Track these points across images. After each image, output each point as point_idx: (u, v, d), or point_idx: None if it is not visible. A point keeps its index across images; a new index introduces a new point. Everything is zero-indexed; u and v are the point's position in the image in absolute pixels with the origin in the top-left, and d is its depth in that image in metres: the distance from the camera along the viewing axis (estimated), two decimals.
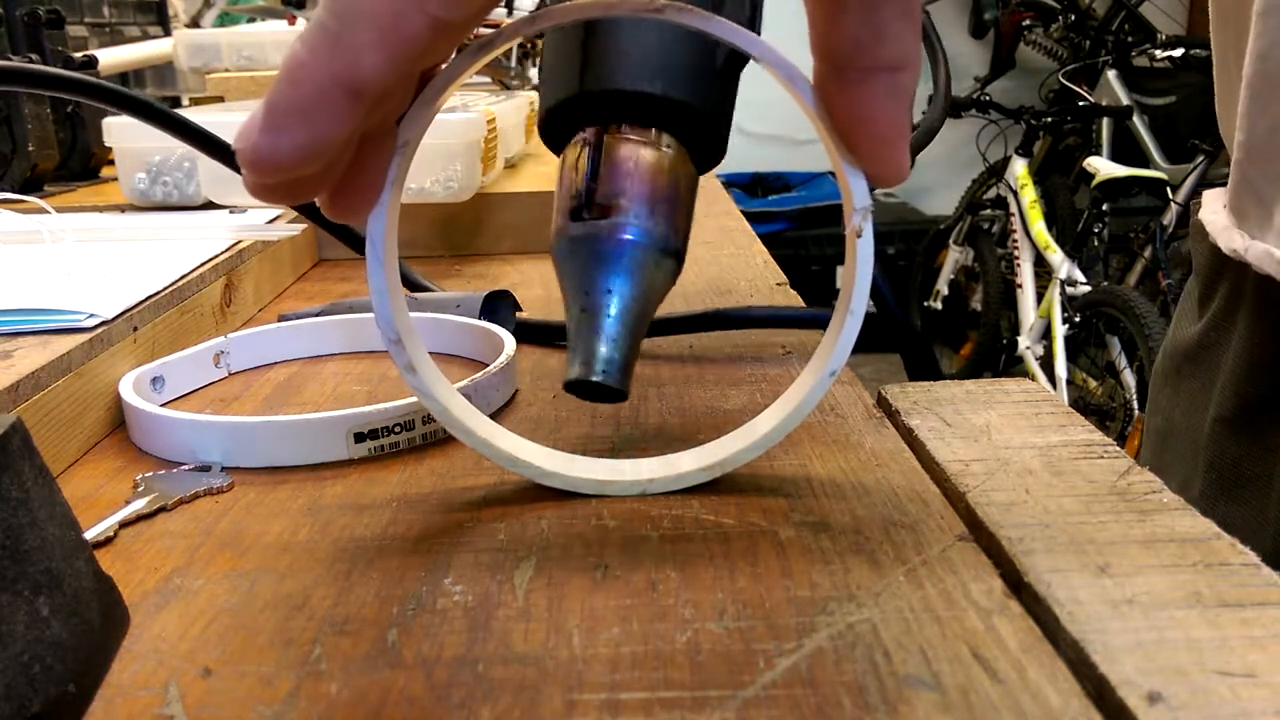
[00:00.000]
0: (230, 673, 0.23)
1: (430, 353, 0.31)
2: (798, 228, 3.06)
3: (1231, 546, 0.26)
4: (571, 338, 0.31)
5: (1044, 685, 0.21)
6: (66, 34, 0.86)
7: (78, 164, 0.83)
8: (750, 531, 0.28)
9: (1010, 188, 2.57)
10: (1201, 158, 2.37)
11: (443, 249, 0.68)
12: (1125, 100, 2.65)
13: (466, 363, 0.45)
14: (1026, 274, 2.51)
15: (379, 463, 0.34)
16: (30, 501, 0.17)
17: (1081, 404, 2.26)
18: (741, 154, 3.36)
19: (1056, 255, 2.36)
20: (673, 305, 0.53)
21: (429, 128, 0.27)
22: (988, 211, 2.82)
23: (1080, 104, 2.57)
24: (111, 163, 0.79)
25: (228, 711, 0.21)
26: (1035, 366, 2.40)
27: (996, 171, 2.74)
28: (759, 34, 0.32)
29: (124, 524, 0.30)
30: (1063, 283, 2.32)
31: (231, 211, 0.63)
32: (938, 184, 3.36)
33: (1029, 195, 2.51)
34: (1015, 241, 2.54)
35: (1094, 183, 2.27)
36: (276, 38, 1.20)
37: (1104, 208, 2.34)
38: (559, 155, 0.35)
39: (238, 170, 0.23)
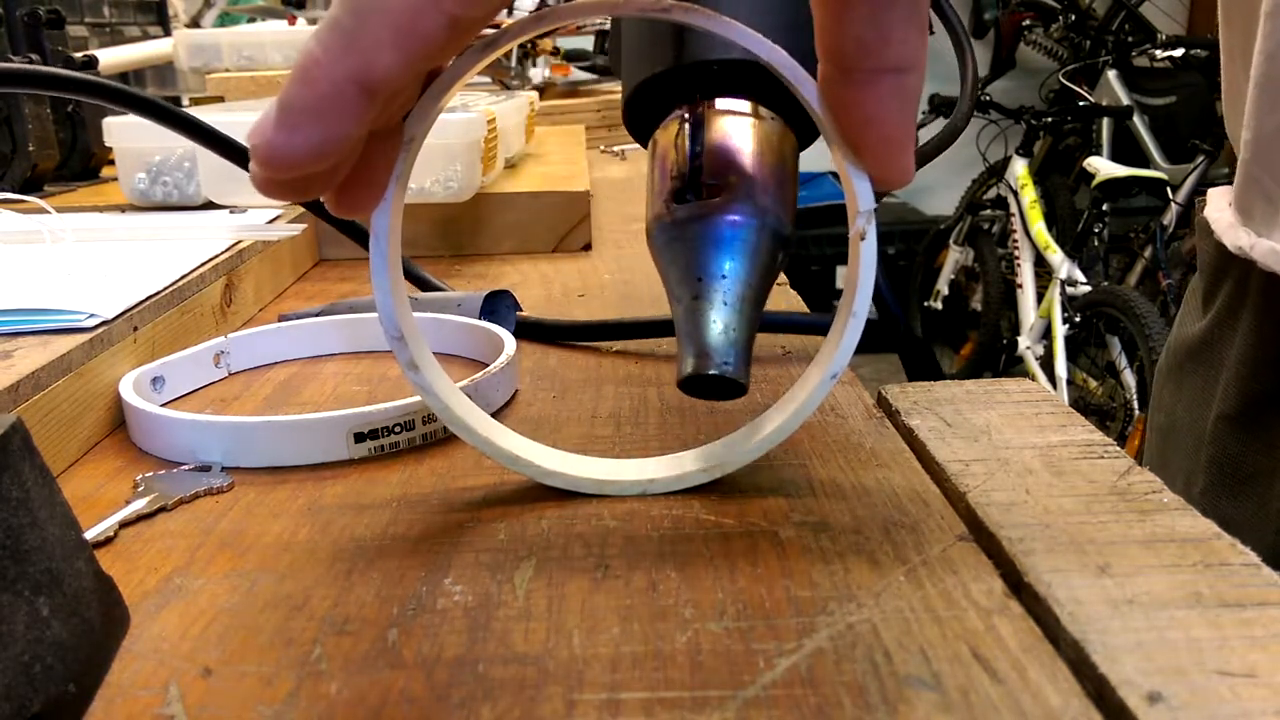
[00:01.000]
0: (230, 673, 0.23)
1: (431, 353, 0.31)
2: (798, 228, 3.06)
3: (1232, 546, 0.26)
4: (682, 330, 0.29)
5: (1044, 685, 0.21)
6: (67, 34, 0.86)
7: (78, 164, 0.83)
8: (750, 531, 0.28)
9: (1010, 188, 2.57)
10: (1201, 158, 2.37)
11: (443, 249, 0.68)
12: (1125, 100, 2.65)
13: (467, 363, 0.45)
14: (1027, 274, 2.51)
15: (379, 463, 0.34)
16: (30, 501, 0.17)
17: (1082, 404, 2.26)
18: None
19: (1057, 255, 2.36)
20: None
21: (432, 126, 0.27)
22: (988, 211, 2.82)
23: (1080, 104, 2.57)
24: (111, 163, 0.79)
25: (228, 711, 0.21)
26: (1035, 366, 2.40)
27: (997, 171, 2.74)
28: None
29: (124, 524, 0.30)
30: (1063, 283, 2.32)
31: (231, 211, 0.63)
32: (938, 184, 3.36)
33: (1029, 195, 2.51)
34: (1015, 241, 2.54)
35: (1094, 183, 2.27)
36: (277, 38, 1.20)
37: (1104, 208, 2.34)
38: (640, 139, 0.32)
39: (244, 167, 0.23)
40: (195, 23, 1.62)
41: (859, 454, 0.33)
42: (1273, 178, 0.46)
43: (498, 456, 0.31)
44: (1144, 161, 2.59)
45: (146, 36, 1.28)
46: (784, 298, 0.54)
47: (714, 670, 0.22)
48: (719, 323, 0.29)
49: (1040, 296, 2.45)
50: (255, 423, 0.34)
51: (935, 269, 2.99)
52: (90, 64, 0.87)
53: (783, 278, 0.58)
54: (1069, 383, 2.29)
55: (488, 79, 1.28)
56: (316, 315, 0.49)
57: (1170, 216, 2.35)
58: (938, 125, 3.08)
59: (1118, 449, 0.32)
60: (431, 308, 0.48)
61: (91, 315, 0.39)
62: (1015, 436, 0.33)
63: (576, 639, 0.23)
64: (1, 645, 0.16)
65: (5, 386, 0.32)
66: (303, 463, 0.34)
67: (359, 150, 0.24)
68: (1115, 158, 2.57)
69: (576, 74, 1.43)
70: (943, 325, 3.01)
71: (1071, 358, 2.30)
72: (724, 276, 0.29)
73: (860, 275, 0.28)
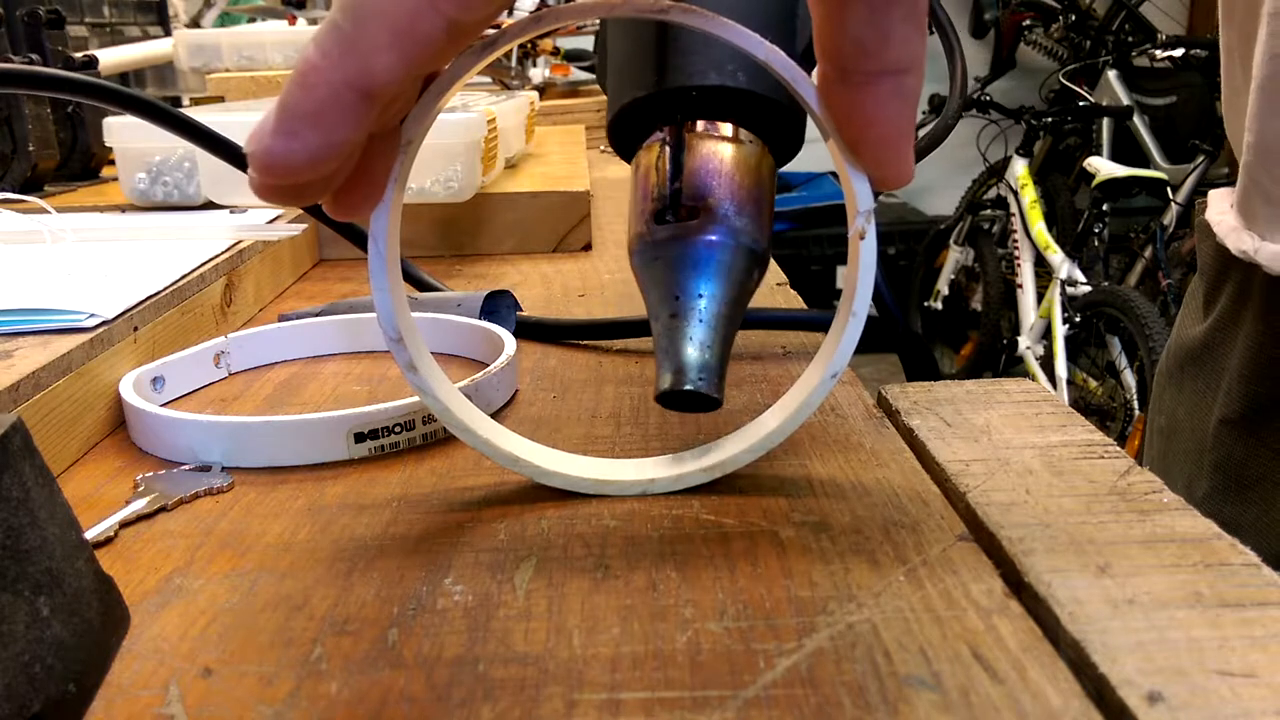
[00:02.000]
0: (230, 672, 0.23)
1: (431, 352, 0.31)
2: (798, 228, 3.06)
3: (1232, 547, 0.26)
4: (660, 346, 0.30)
5: (1044, 685, 0.21)
6: (67, 34, 0.86)
7: (78, 164, 0.83)
8: (750, 531, 0.28)
9: (1010, 188, 2.57)
10: (1202, 158, 2.38)
11: (443, 249, 0.68)
12: (1125, 100, 2.66)
13: (466, 363, 0.45)
14: (1027, 274, 2.51)
15: (379, 463, 0.34)
16: (31, 501, 0.17)
17: (1082, 404, 2.27)
18: None
19: (1057, 255, 2.36)
20: None
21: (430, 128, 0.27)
22: (988, 211, 2.82)
23: (1080, 104, 2.57)
24: (112, 163, 0.79)
25: (228, 711, 0.21)
26: (1035, 366, 2.40)
27: (997, 171, 2.74)
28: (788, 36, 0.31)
29: (124, 524, 0.30)
30: (1063, 283, 2.32)
31: (232, 211, 0.63)
32: (938, 184, 3.36)
33: (1029, 195, 2.51)
34: (1015, 241, 2.54)
35: (1094, 183, 2.27)
36: (277, 38, 1.20)
37: (1104, 208, 2.34)
38: (624, 156, 0.33)
39: (242, 169, 0.23)
40: (195, 23, 1.62)
41: (859, 454, 0.33)
42: (1276, 182, 0.46)
43: (497, 457, 0.31)
44: (1144, 161, 2.59)
45: (147, 36, 1.28)
46: (784, 297, 0.54)
47: (714, 670, 0.22)
48: (695, 340, 0.30)
49: (1040, 296, 2.45)
50: (255, 423, 0.34)
51: (935, 269, 2.99)
52: (90, 64, 0.87)
53: (783, 277, 0.58)
54: (1069, 383, 2.29)
55: (488, 79, 1.28)
56: (316, 315, 0.49)
57: (1170, 216, 2.35)
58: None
59: (1118, 449, 0.32)
60: (431, 308, 0.48)
61: (92, 315, 0.39)
62: (1015, 436, 0.33)
63: (576, 639, 0.23)
64: (2, 645, 0.16)
65: (5, 386, 0.32)
66: (303, 463, 0.34)
67: (358, 154, 0.24)
68: (1115, 158, 2.57)
69: (576, 74, 1.43)
70: (943, 325, 3.01)
71: (1072, 358, 2.30)
72: (700, 295, 0.30)
73: (860, 275, 0.28)
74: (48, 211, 0.56)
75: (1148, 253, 2.39)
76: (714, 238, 0.30)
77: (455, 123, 0.63)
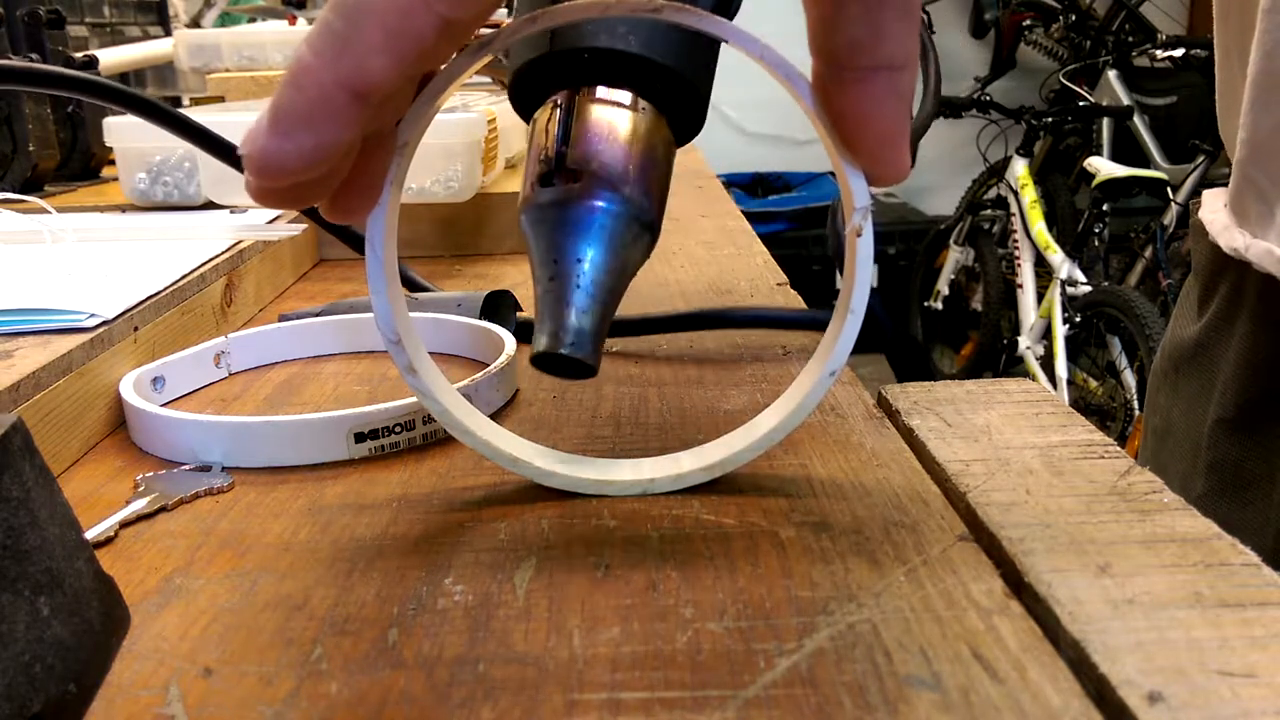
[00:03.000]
0: (231, 672, 0.23)
1: (430, 353, 0.31)
2: (798, 228, 3.06)
3: (1232, 546, 0.26)
4: (538, 309, 0.30)
5: (1044, 685, 0.21)
6: (67, 34, 0.86)
7: (78, 164, 0.83)
8: (750, 531, 0.28)
9: (1011, 188, 2.57)
10: (1202, 158, 2.37)
11: (443, 249, 0.68)
12: (1125, 100, 2.65)
13: (467, 363, 0.45)
14: (1027, 274, 2.51)
15: (379, 463, 0.34)
16: (31, 501, 0.17)
17: (1082, 404, 2.26)
18: (741, 154, 3.36)
19: (1057, 255, 2.36)
20: (673, 304, 0.53)
21: (429, 127, 0.27)
22: (988, 211, 2.82)
23: (1080, 104, 2.57)
24: (112, 163, 0.79)
25: (228, 711, 0.21)
26: (1036, 366, 2.40)
27: (997, 171, 2.74)
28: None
29: (124, 524, 0.30)
30: (1063, 283, 2.32)
31: (232, 211, 0.63)
32: (938, 184, 3.36)
33: (1029, 195, 2.51)
34: (1016, 241, 2.54)
35: (1094, 183, 2.27)
36: (277, 38, 1.20)
37: (1104, 208, 2.34)
38: (528, 122, 0.33)
39: (239, 170, 0.23)
40: (195, 23, 1.62)
41: (859, 454, 0.33)
42: (1269, 178, 0.46)
43: (497, 459, 0.31)
44: (1144, 161, 2.59)
45: (147, 36, 1.28)
46: (784, 297, 0.54)
47: (714, 670, 0.22)
48: (573, 305, 0.29)
49: (1040, 296, 2.45)
50: (255, 423, 0.34)
51: (935, 269, 2.98)
52: (90, 64, 0.87)
53: (783, 277, 0.58)
54: (1069, 383, 2.28)
55: (488, 79, 1.28)
56: (316, 315, 0.49)
57: (1170, 216, 2.34)
58: (938, 125, 3.08)
59: (1118, 449, 0.32)
60: (431, 308, 0.48)
61: (92, 315, 0.39)
62: (1015, 436, 0.33)
63: (577, 639, 0.23)
64: (2, 645, 0.16)
65: (6, 386, 0.32)
66: (303, 463, 0.34)
67: (354, 156, 0.24)
68: (1115, 158, 2.57)
69: None
70: (943, 325, 3.01)
71: (1072, 358, 2.30)
72: (580, 260, 0.30)
73: (857, 272, 0.28)
74: (48, 211, 0.56)
75: (1148, 253, 2.39)
76: (598, 203, 0.30)
77: (455, 123, 0.63)
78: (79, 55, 0.86)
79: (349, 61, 0.21)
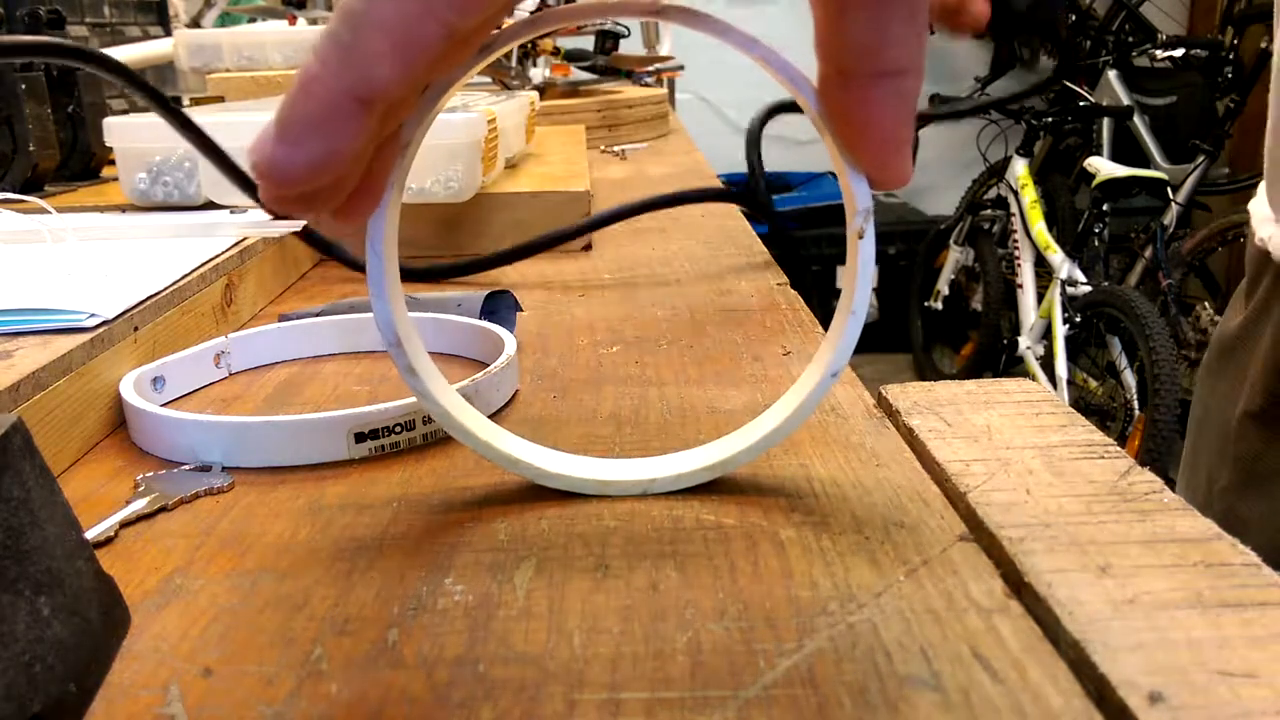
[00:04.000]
0: (231, 672, 0.23)
1: (431, 353, 0.31)
2: (798, 228, 3.06)
3: (1232, 547, 0.26)
4: None
5: (1045, 685, 0.21)
6: (67, 34, 0.86)
7: (78, 164, 0.83)
8: (750, 531, 0.28)
9: (1011, 188, 2.57)
10: (1202, 158, 2.37)
11: (443, 249, 0.68)
12: (1126, 100, 2.65)
13: (467, 363, 0.45)
14: (1027, 274, 2.51)
15: (379, 463, 0.34)
16: (31, 501, 0.17)
17: (1082, 404, 2.26)
18: (741, 154, 3.35)
19: (1057, 255, 2.36)
20: (673, 304, 0.53)
21: (430, 127, 0.27)
22: (988, 212, 2.82)
23: (1081, 104, 2.57)
24: (112, 163, 0.79)
25: (228, 711, 0.21)
26: (1036, 367, 2.40)
27: (997, 172, 2.74)
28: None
29: (124, 524, 0.30)
30: (1063, 283, 2.32)
31: (232, 211, 0.63)
32: (938, 184, 3.36)
33: (1029, 195, 2.51)
34: (1016, 241, 2.54)
35: (1094, 183, 2.27)
36: (277, 38, 1.20)
37: (1104, 208, 2.34)
38: None
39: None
40: (196, 23, 1.62)
41: (859, 454, 0.33)
42: None
43: (497, 460, 0.31)
44: (1144, 161, 2.59)
45: (147, 36, 1.28)
46: (784, 297, 0.54)
47: (714, 670, 0.22)
48: None
49: (1040, 296, 2.45)
50: (255, 423, 0.34)
51: (935, 269, 2.98)
52: None
53: (783, 277, 0.58)
54: (1069, 383, 2.28)
55: (488, 79, 1.28)
56: (316, 315, 0.49)
57: (1170, 216, 2.35)
58: (938, 125, 3.08)
59: (1118, 449, 0.32)
60: (431, 308, 0.48)
61: (92, 315, 0.39)
62: (1015, 436, 0.33)
63: (577, 639, 0.23)
64: (2, 645, 0.16)
65: (6, 386, 0.32)
66: (303, 463, 0.34)
67: (364, 163, 0.24)
68: (1115, 158, 2.57)
69: (577, 74, 1.43)
70: (943, 325, 3.01)
71: (1072, 358, 2.30)
72: None
73: (859, 273, 0.28)
74: (48, 211, 0.56)
75: (1148, 253, 2.39)
76: None
77: (455, 123, 0.63)
78: None
79: (356, 70, 0.21)
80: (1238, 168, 2.81)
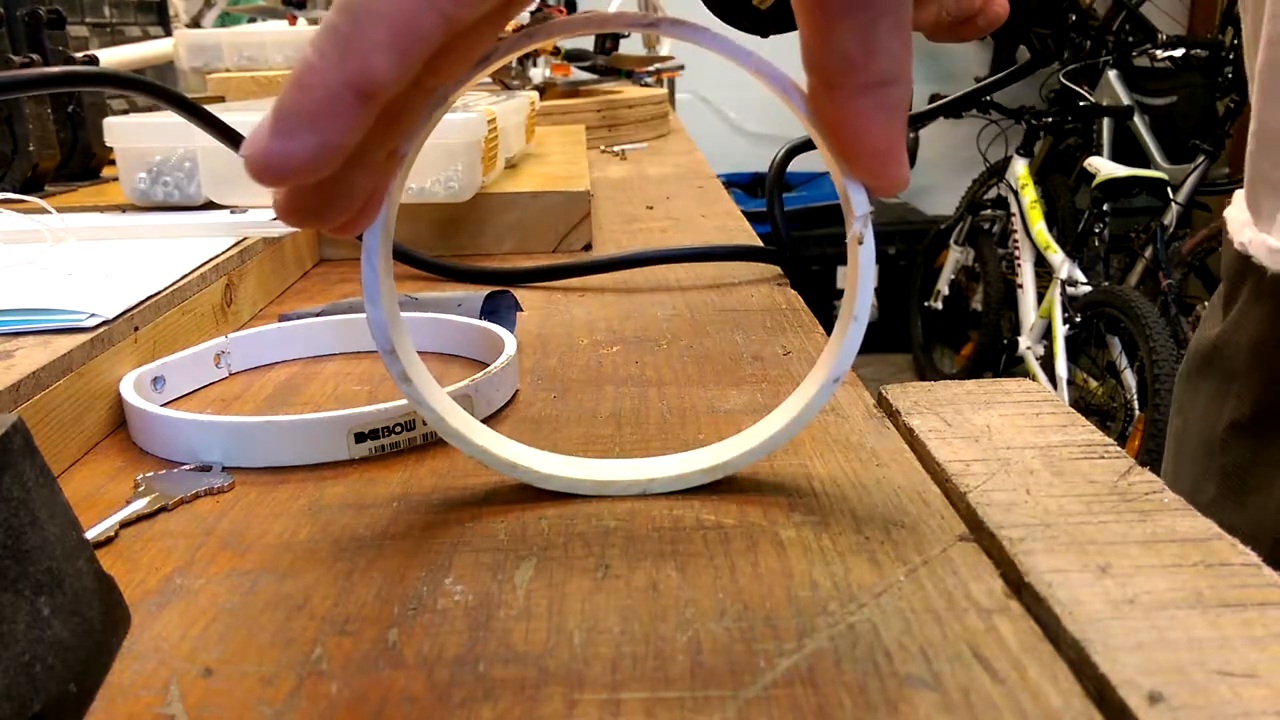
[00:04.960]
0: (231, 672, 0.23)
1: (431, 353, 0.31)
2: (798, 228, 3.06)
3: (1232, 547, 0.26)
4: None
5: (1045, 685, 0.21)
6: (67, 34, 0.85)
7: (79, 164, 0.83)
8: (751, 531, 0.28)
9: (1011, 188, 2.57)
10: (1202, 158, 2.37)
11: (443, 249, 0.68)
12: (1126, 100, 2.65)
13: (467, 363, 0.45)
14: (1027, 274, 2.51)
15: (380, 462, 0.34)
16: (31, 501, 0.17)
17: (1082, 404, 2.26)
18: (741, 154, 3.36)
19: (1057, 255, 2.36)
20: (673, 304, 0.53)
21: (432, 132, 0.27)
22: (988, 211, 2.82)
23: (1081, 104, 2.57)
24: (112, 163, 0.79)
25: (228, 711, 0.21)
26: (1036, 367, 2.40)
27: (997, 171, 2.74)
28: None
29: (125, 524, 0.30)
30: (1063, 283, 2.32)
31: (232, 211, 0.63)
32: (938, 184, 3.36)
33: (1029, 195, 2.51)
34: (1016, 241, 2.54)
35: (1095, 183, 2.27)
36: (277, 38, 1.20)
37: (1105, 208, 2.34)
38: None
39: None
40: (196, 23, 1.62)
41: (859, 454, 0.33)
42: (1277, 168, 0.46)
43: (495, 464, 0.31)
44: (1144, 161, 2.59)
45: (147, 36, 1.28)
46: (784, 297, 0.54)
47: (714, 670, 0.22)
48: None
49: (1041, 296, 2.45)
50: (255, 423, 0.34)
51: (936, 269, 2.99)
52: (91, 64, 0.87)
53: (783, 277, 0.58)
54: (1069, 383, 2.28)
55: (488, 79, 1.28)
56: (316, 315, 0.49)
57: (1171, 216, 2.34)
58: (938, 125, 3.08)
59: (1118, 449, 0.32)
60: (431, 308, 0.48)
61: (92, 315, 0.39)
62: (1015, 436, 0.33)
63: (577, 639, 0.23)
64: (3, 645, 0.16)
65: (6, 386, 0.32)
66: (303, 463, 0.34)
67: (369, 169, 0.24)
68: (1115, 158, 2.57)
69: (577, 74, 1.43)
70: (943, 325, 3.01)
71: (1072, 358, 2.30)
72: None
73: (860, 279, 0.28)
74: (48, 211, 0.56)
75: (1148, 253, 2.39)
76: None
77: (455, 123, 0.63)
78: (79, 55, 0.86)
79: (354, 61, 0.21)
80: (1238, 168, 2.80)
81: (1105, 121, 2.70)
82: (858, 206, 0.27)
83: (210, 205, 0.65)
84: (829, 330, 0.32)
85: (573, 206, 0.68)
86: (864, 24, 0.22)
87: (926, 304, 2.99)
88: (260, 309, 0.55)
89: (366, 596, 0.26)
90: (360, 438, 0.34)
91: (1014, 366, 2.59)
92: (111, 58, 1.07)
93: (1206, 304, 2.20)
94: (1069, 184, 2.80)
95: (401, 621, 0.24)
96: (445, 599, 0.25)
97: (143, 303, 0.42)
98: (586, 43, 1.56)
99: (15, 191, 0.70)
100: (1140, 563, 0.25)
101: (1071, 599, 0.24)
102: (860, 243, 0.27)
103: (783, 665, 0.22)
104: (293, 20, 1.37)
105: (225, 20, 1.64)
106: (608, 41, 1.51)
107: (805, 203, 3.11)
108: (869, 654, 0.22)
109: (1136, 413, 2.07)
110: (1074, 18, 2.76)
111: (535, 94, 1.01)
